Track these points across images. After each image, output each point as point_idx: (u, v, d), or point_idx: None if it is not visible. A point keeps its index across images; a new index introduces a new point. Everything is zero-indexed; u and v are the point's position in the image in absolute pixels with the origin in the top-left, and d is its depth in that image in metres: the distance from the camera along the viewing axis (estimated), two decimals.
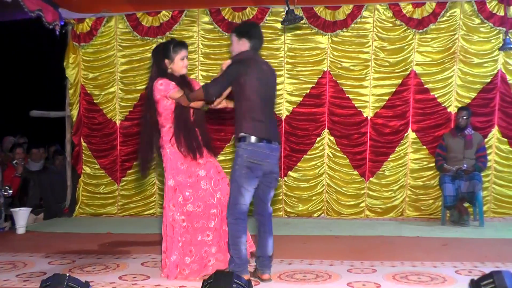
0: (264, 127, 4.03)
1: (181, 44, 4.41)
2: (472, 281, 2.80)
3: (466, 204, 7.00)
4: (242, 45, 4.15)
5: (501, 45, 7.17)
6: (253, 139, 3.99)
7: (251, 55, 4.14)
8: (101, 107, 8.11)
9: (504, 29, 7.13)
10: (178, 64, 4.34)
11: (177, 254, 4.23)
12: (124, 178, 8.08)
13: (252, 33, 4.17)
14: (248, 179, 4.01)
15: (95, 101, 8.13)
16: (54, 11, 7.48)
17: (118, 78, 8.05)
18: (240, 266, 3.98)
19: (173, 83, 4.25)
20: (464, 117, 6.92)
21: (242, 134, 4.02)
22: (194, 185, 4.32)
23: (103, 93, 8.11)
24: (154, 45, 7.76)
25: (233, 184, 4.06)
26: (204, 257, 4.32)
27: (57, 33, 7.70)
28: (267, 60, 7.43)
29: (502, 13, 7.21)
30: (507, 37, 7.01)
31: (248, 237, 4.26)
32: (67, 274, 3.13)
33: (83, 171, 8.18)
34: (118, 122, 8.07)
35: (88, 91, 8.13)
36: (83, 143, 8.17)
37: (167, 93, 4.22)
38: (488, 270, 2.80)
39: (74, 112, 8.11)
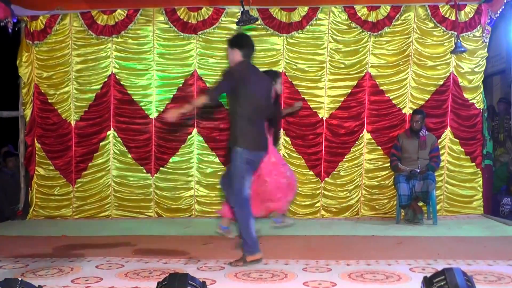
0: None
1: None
2: (425, 278, 2.85)
3: (420, 203, 7.16)
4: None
5: (453, 48, 7.36)
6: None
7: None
8: (55, 107, 7.92)
9: (456, 33, 7.31)
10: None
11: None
12: (79, 180, 7.90)
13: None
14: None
15: (49, 101, 7.94)
16: (6, 7, 7.30)
17: (73, 77, 7.87)
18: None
19: None
20: (418, 121, 7.04)
21: None
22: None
23: (57, 93, 7.92)
24: (109, 44, 7.80)
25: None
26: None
27: (10, 30, 7.53)
28: (222, 61, 7.63)
29: (453, 18, 7.39)
30: (458, 41, 7.21)
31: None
32: (19, 279, 3.03)
33: (36, 172, 7.96)
34: (73, 123, 7.89)
35: (42, 91, 7.93)
36: (37, 144, 7.95)
37: None
38: (441, 267, 2.85)
39: (28, 112, 7.89)
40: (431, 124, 7.51)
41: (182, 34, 7.65)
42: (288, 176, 6.29)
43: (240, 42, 4.79)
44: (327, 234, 6.31)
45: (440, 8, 7.51)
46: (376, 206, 7.70)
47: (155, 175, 7.84)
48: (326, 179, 7.68)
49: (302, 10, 7.57)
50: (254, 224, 4.65)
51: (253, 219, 4.65)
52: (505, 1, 7.12)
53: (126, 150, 7.85)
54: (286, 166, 6.46)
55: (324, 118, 7.66)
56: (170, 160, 7.79)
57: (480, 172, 7.63)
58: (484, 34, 7.47)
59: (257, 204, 6.03)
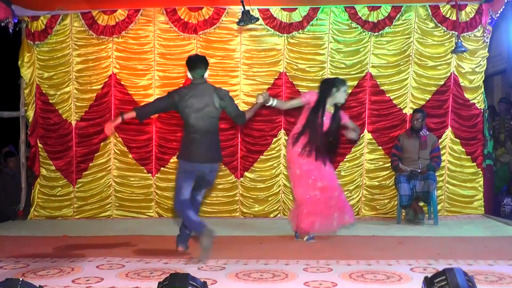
0: None
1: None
2: (426, 278, 2.85)
3: (421, 203, 7.16)
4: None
5: (453, 48, 7.35)
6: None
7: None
8: (56, 107, 7.92)
9: (456, 33, 7.30)
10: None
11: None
12: (80, 180, 7.91)
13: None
14: None
15: (50, 101, 7.94)
16: (6, 7, 7.29)
17: (74, 77, 7.87)
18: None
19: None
20: (419, 120, 7.04)
21: None
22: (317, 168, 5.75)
23: (58, 93, 7.92)
24: (110, 44, 7.81)
25: None
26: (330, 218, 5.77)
27: (10, 31, 7.53)
28: (223, 61, 7.61)
29: (454, 18, 7.39)
30: (459, 40, 7.20)
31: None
32: (20, 279, 3.03)
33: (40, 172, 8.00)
34: (73, 123, 7.90)
35: (44, 91, 7.93)
36: (39, 144, 7.96)
37: None
38: (441, 267, 2.85)
39: (30, 113, 7.90)
40: (432, 124, 7.51)
41: (182, 34, 7.66)
42: (319, 189, 5.73)
43: (188, 63, 5.18)
44: (328, 234, 6.28)
45: (440, 8, 7.51)
46: (377, 206, 7.71)
47: (156, 175, 7.84)
48: None
49: (303, 10, 7.58)
50: (194, 214, 5.05)
51: (191, 211, 5.05)
52: (506, 1, 7.12)
53: (127, 150, 7.85)
54: (317, 182, 5.73)
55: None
56: (171, 160, 7.78)
57: (481, 172, 7.64)
58: (485, 34, 7.48)
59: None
